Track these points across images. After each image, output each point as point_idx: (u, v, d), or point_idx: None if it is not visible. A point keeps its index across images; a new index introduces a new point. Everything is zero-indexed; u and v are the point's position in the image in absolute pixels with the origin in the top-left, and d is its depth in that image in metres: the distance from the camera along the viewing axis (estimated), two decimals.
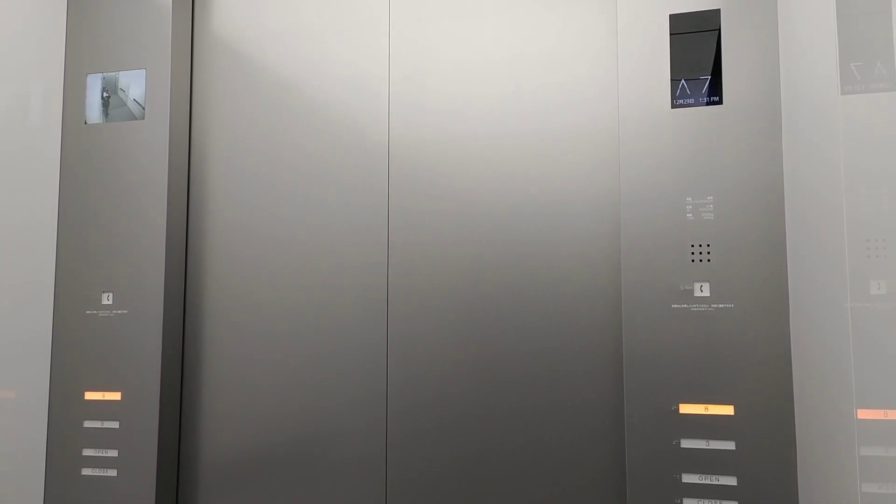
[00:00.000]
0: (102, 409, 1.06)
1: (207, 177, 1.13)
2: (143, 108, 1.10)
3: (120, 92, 1.11)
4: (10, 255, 1.07)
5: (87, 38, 1.13)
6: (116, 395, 1.06)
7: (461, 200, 1.04)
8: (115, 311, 1.08)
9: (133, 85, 1.10)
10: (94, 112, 1.12)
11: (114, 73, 1.11)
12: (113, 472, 1.05)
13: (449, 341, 1.02)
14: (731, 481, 0.87)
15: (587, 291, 0.98)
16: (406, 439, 1.02)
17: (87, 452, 1.06)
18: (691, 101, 0.93)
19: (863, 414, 0.86)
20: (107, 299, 1.08)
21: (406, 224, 1.05)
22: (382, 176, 1.07)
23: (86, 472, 1.06)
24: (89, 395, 1.07)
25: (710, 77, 0.93)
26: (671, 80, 0.94)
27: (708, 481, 0.87)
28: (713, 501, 0.87)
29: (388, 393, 1.03)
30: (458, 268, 1.03)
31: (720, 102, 0.92)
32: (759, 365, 0.87)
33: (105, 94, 1.11)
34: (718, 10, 0.93)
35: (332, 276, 1.07)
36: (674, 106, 0.93)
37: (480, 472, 0.99)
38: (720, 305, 0.89)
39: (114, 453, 1.05)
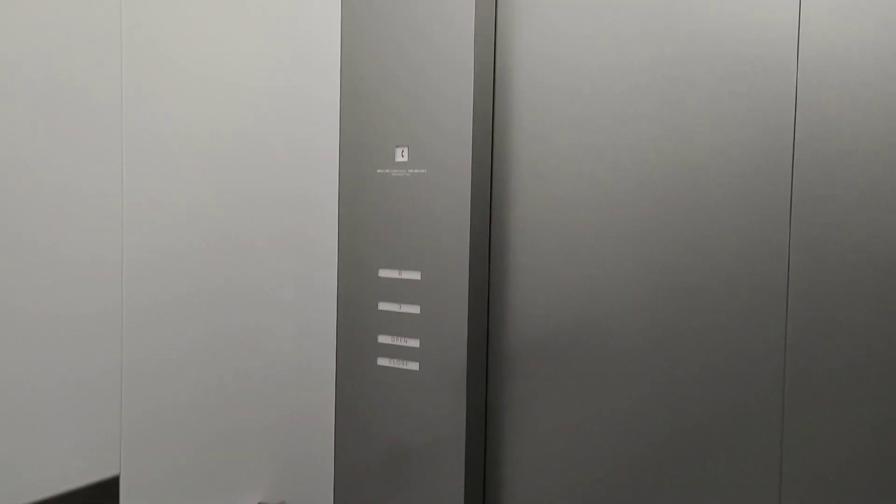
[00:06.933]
0: (400, 289, 0.88)
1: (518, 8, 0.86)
2: None
3: None
4: (290, 106, 0.88)
5: None
6: (415, 274, 0.87)
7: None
8: (410, 171, 0.86)
9: None
10: None
11: None
12: (414, 366, 0.87)
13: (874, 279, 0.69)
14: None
15: None
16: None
17: (382, 340, 0.89)
18: None
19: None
20: (401, 155, 0.87)
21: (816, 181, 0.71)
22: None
23: (382, 362, 0.89)
24: (384, 273, 0.89)
25: None
26: None
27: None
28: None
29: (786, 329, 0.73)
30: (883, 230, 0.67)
31: None
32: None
33: None
34: None
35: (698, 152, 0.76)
36: None
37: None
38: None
39: (415, 343, 0.87)
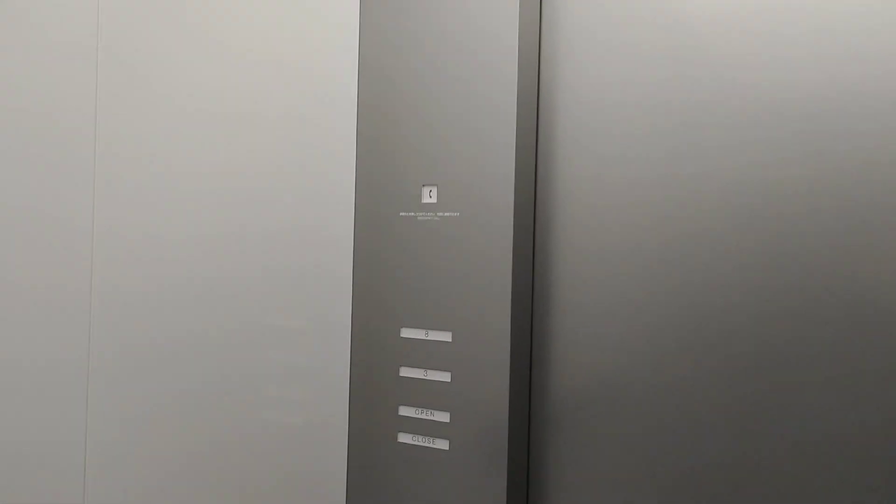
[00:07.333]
0: (426, 352, 0.74)
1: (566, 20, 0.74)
2: None
3: None
4: (296, 133, 0.76)
5: None
6: (446, 335, 0.73)
7: None
8: (440, 214, 0.74)
9: None
10: None
11: None
12: (443, 444, 0.73)
13: None
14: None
15: None
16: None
17: (405, 412, 0.75)
18: None
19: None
20: (429, 196, 0.75)
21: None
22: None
23: (404, 438, 0.75)
24: (407, 333, 0.75)
25: None
26: None
27: None
28: None
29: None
30: None
31: None
32: None
33: None
34: None
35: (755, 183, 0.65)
36: None
37: None
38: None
39: (444, 417, 0.73)
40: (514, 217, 0.70)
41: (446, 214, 0.74)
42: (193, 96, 0.66)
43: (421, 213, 0.75)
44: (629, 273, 0.70)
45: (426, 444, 0.74)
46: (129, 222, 0.61)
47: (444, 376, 0.73)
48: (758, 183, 0.65)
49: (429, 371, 0.74)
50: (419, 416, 0.75)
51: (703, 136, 0.67)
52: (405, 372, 0.76)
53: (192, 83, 0.66)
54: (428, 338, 0.74)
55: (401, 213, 0.76)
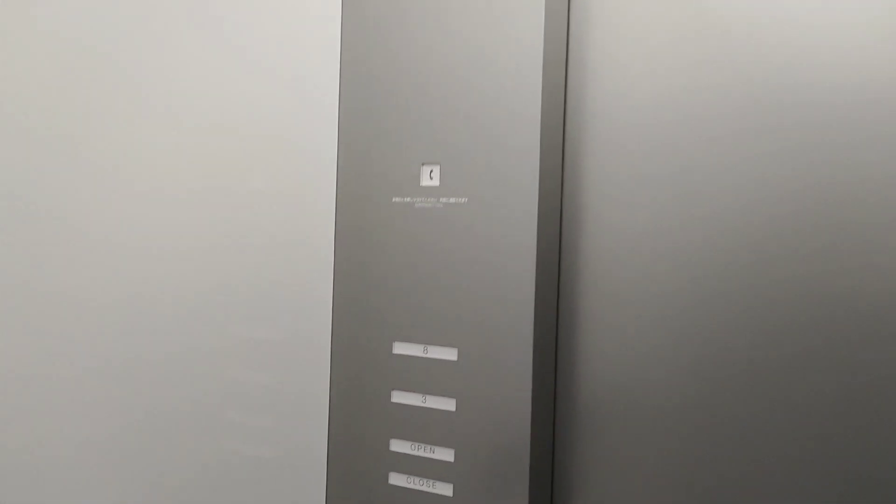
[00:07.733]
0: (425, 373, 0.59)
1: None
2: None
3: None
4: (275, 93, 0.61)
5: None
6: (450, 353, 0.58)
7: None
8: (443, 200, 0.59)
9: None
10: None
11: None
12: (446, 489, 0.58)
13: None
14: None
15: None
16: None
17: (397, 447, 0.60)
18: None
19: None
20: (429, 177, 0.59)
21: None
22: None
23: (396, 479, 0.60)
24: (401, 349, 0.60)
25: None
26: None
27: None
28: None
29: None
30: None
31: None
32: None
33: None
34: None
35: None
36: None
37: None
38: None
39: (447, 454, 0.58)
40: (539, 204, 0.56)
41: (451, 200, 0.59)
42: (137, 72, 0.51)
43: (419, 199, 0.60)
44: (673, 278, 0.56)
45: (424, 489, 0.59)
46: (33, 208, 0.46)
47: (448, 404, 0.59)
48: (810, 192, 0.51)
49: (428, 397, 0.59)
50: (416, 452, 0.60)
51: (754, 141, 0.53)
52: (398, 397, 0.61)
53: (148, 62, 0.51)
54: (427, 355, 0.59)
55: (394, 199, 0.61)
